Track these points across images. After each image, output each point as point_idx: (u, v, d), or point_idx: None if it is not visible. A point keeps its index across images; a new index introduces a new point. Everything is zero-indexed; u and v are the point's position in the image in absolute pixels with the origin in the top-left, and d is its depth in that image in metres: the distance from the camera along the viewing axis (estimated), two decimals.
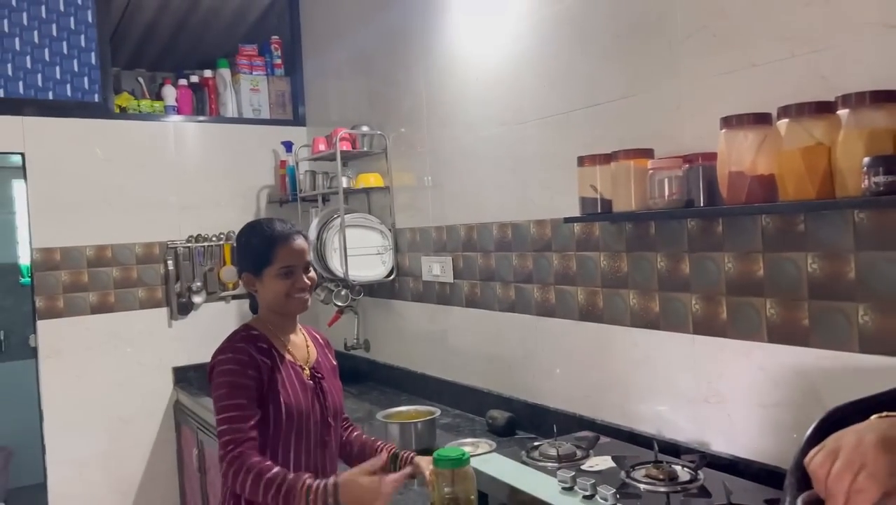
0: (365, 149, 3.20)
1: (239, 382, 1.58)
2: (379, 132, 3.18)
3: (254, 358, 1.62)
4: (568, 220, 2.05)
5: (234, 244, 1.57)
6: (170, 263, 3.54)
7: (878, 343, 1.47)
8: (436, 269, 2.89)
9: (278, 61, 3.93)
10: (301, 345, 1.78)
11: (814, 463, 0.69)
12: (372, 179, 3.13)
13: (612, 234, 2.08)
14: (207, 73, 3.81)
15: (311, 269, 1.73)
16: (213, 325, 3.61)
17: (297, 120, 3.92)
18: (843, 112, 1.40)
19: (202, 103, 3.80)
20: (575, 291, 2.23)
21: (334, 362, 1.88)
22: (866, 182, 1.33)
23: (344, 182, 3.13)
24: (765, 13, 1.64)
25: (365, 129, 3.21)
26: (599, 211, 1.95)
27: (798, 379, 1.62)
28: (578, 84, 2.16)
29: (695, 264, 1.84)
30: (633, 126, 1.98)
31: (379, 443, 1.85)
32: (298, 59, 3.94)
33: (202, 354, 3.58)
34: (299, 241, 1.70)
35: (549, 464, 1.82)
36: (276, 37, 3.94)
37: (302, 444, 1.67)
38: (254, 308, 1.80)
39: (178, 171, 3.59)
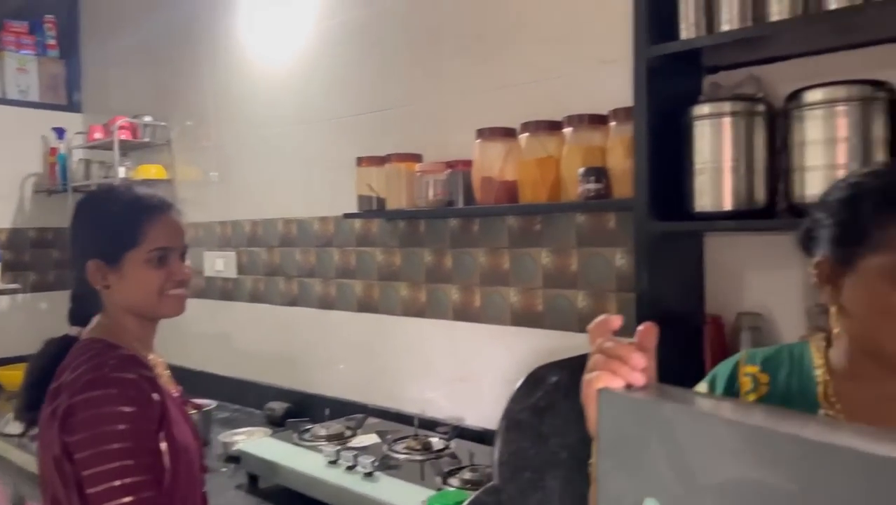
0: (147, 139, 3.10)
1: (142, 446, 1.09)
2: (163, 123, 3.10)
3: (149, 394, 1.14)
4: (347, 215, 2.19)
5: (74, 220, 1.27)
6: None
7: None
8: (219, 264, 2.89)
9: (52, 42, 3.66)
10: (159, 361, 1.34)
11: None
12: (153, 171, 3.04)
13: (388, 231, 2.25)
14: None
15: (187, 255, 1.29)
16: None
17: (72, 106, 3.67)
18: (567, 130, 1.69)
19: None
20: (354, 284, 2.37)
21: None
22: (581, 188, 1.61)
23: (122, 172, 3.01)
24: (514, 42, 1.91)
25: (147, 119, 3.11)
26: (375, 208, 2.12)
27: (534, 355, 1.89)
28: (363, 90, 2.32)
29: (456, 259, 2.07)
30: (407, 132, 2.17)
31: None
32: (76, 41, 3.70)
33: None
34: (176, 216, 1.27)
35: (319, 444, 1.94)
36: (51, 15, 3.66)
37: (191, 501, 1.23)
38: (83, 313, 1.28)
39: None
